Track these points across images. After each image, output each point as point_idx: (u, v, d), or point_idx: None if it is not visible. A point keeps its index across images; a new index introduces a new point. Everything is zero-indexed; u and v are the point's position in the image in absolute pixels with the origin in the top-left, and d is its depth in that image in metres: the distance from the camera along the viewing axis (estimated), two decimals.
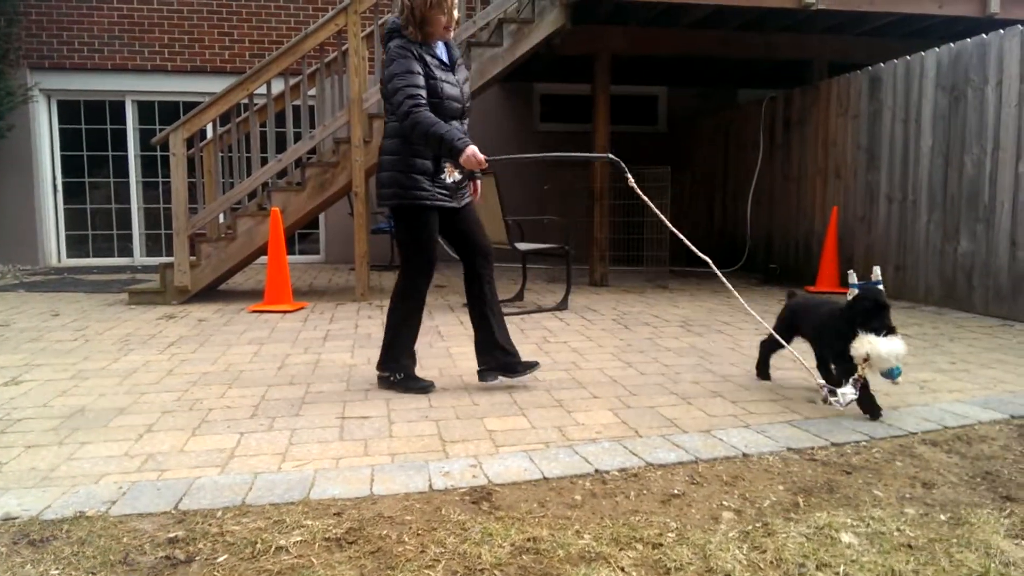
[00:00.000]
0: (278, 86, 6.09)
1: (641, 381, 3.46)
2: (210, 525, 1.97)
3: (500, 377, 3.37)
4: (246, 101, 5.96)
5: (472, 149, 2.96)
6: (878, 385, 2.94)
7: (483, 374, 3.37)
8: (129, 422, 2.86)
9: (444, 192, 3.19)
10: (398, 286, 3.29)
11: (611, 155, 3.26)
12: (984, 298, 5.23)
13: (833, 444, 2.58)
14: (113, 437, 2.68)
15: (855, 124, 6.52)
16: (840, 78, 6.71)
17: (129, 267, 9.08)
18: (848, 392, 2.78)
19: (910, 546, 1.83)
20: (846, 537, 1.87)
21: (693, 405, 3.07)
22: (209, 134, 6.37)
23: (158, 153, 9.08)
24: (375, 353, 3.78)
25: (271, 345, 4.30)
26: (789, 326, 3.30)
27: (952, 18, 6.54)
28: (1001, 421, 2.83)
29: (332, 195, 6.02)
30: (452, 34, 3.21)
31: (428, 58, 3.11)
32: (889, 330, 2.76)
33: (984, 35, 5.21)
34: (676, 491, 2.20)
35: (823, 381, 2.96)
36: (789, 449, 2.53)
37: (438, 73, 3.12)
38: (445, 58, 3.22)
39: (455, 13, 3.16)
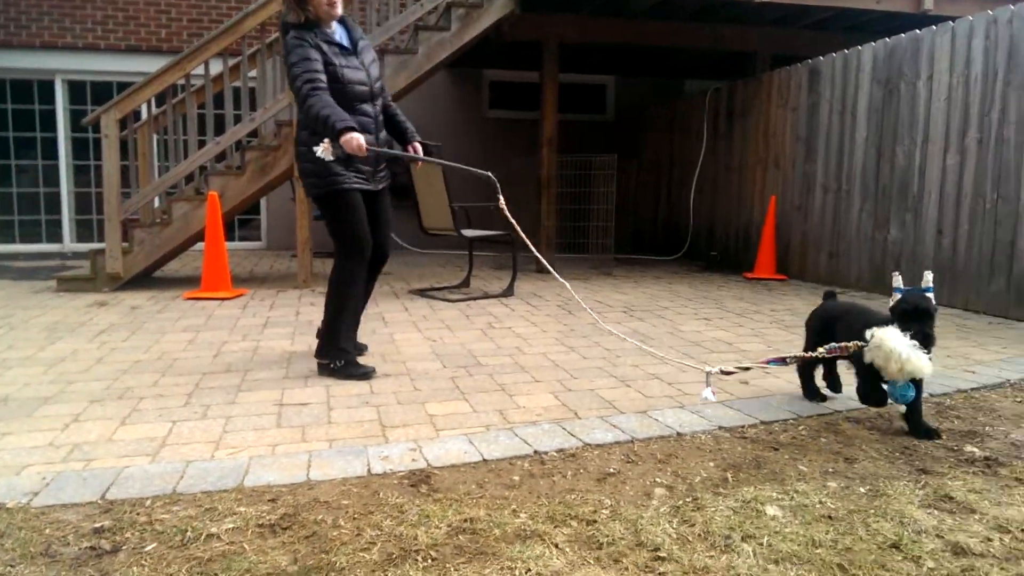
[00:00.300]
0: (217, 67, 5.93)
1: (583, 365, 3.51)
2: (138, 514, 1.93)
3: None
4: (183, 82, 5.78)
5: (352, 135, 2.93)
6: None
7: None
8: (55, 411, 2.76)
9: (360, 175, 3.20)
10: (334, 272, 3.29)
11: (490, 174, 3.36)
12: (911, 284, 5.43)
13: (762, 422, 2.66)
14: (37, 427, 2.58)
15: (794, 116, 6.69)
16: (781, 70, 6.87)
17: (58, 253, 8.73)
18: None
19: (831, 517, 1.91)
20: (771, 510, 1.94)
21: (632, 387, 3.12)
22: (144, 115, 6.16)
23: (90, 135, 8.73)
24: (316, 340, 3.73)
25: (207, 332, 4.21)
26: (822, 338, 2.77)
27: (889, 13, 6.77)
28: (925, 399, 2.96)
29: (273, 179, 5.90)
30: (340, 10, 3.14)
31: (325, 45, 3.09)
32: (925, 338, 2.42)
33: (917, 31, 5.40)
34: (612, 470, 2.24)
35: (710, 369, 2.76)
36: (721, 428, 2.60)
37: (338, 59, 3.11)
38: (345, 41, 3.20)
39: None
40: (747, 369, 2.86)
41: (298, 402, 2.89)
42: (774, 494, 2.05)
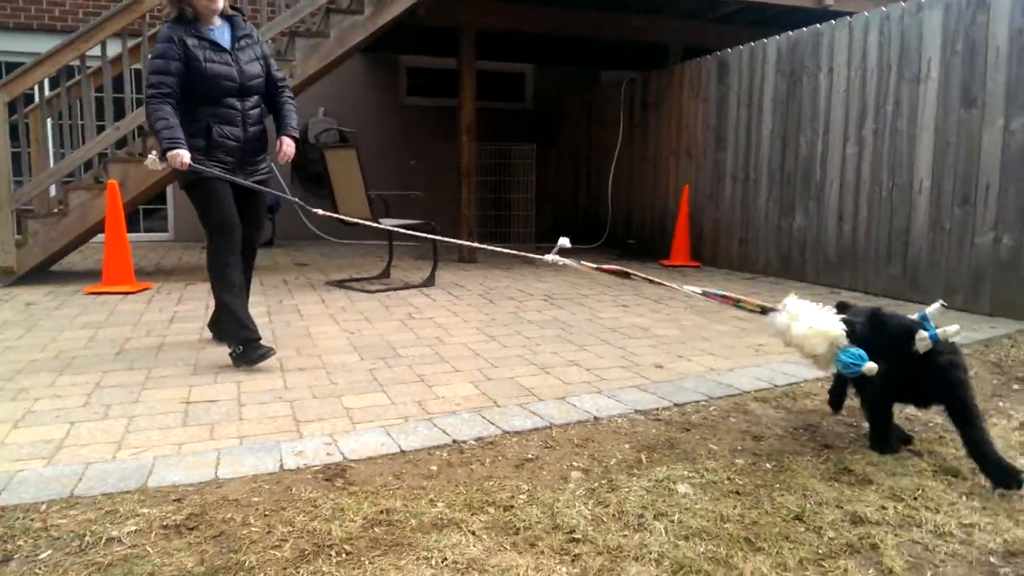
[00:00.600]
0: (115, 48, 5.60)
1: (503, 354, 3.52)
2: (32, 520, 1.81)
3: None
4: (79, 63, 5.44)
5: (176, 152, 3.09)
6: (708, 355, 3.14)
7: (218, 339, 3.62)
8: None
9: (222, 166, 3.28)
10: (207, 260, 3.37)
11: (298, 200, 3.65)
12: (815, 269, 5.72)
13: (676, 404, 2.74)
14: None
15: (705, 107, 6.88)
16: (692, 62, 7.05)
17: None
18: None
19: (738, 492, 1.99)
20: (682, 488, 2.00)
21: (551, 374, 3.15)
22: (36, 98, 5.77)
23: None
24: (217, 334, 3.69)
25: (109, 329, 3.99)
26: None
27: (793, 8, 7.04)
28: (824, 378, 3.10)
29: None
30: (220, 4, 3.23)
31: (193, 40, 3.17)
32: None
33: (819, 25, 5.64)
34: (530, 456, 2.25)
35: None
36: (636, 411, 2.66)
37: (204, 54, 3.18)
38: (225, 39, 3.27)
39: None
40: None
41: (206, 399, 2.78)
42: (686, 473, 2.11)
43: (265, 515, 1.85)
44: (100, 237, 5.63)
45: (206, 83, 3.19)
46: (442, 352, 3.53)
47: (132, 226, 5.88)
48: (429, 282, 5.64)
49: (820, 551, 1.69)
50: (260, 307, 4.59)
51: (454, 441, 2.37)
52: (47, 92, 5.78)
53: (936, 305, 2.12)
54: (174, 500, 1.93)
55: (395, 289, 5.40)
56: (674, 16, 7.59)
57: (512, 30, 7.33)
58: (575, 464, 2.19)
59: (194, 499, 1.94)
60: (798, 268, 5.87)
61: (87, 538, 1.73)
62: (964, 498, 1.97)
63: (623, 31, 7.56)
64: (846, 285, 5.39)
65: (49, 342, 3.67)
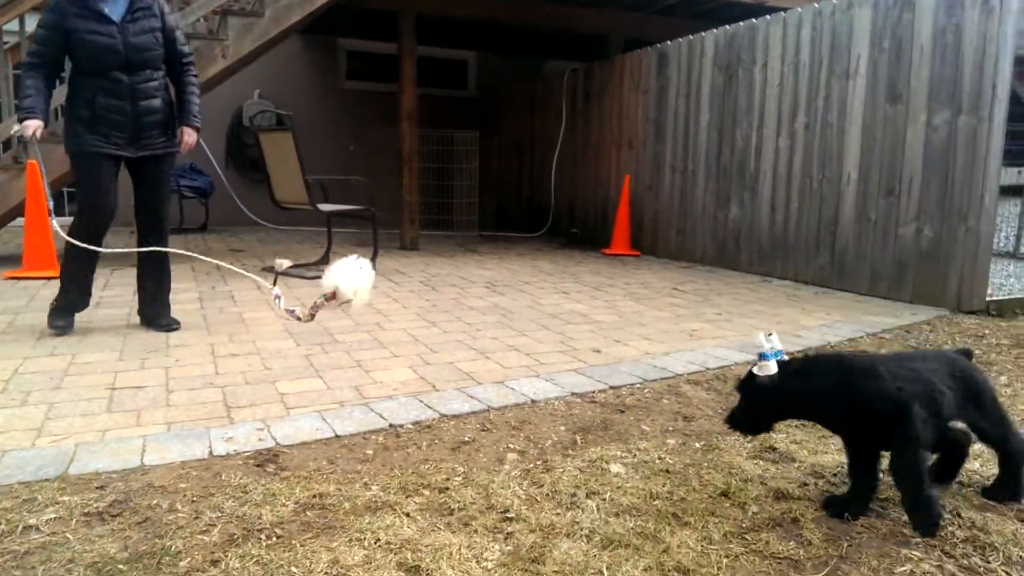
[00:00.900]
0: (34, 22, 5.32)
1: (443, 339, 3.51)
2: None
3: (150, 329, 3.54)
4: None
5: (27, 123, 3.09)
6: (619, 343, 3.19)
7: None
8: None
9: (104, 140, 3.23)
10: (68, 229, 3.31)
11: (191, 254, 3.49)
12: (749, 258, 5.88)
13: (611, 387, 2.78)
14: None
15: (645, 98, 6.98)
16: (633, 54, 7.13)
17: None
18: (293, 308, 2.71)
19: (668, 471, 2.03)
20: (615, 467, 2.04)
21: (491, 359, 3.16)
22: None
23: None
24: (136, 318, 3.66)
25: (29, 315, 3.82)
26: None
27: (731, 3, 7.19)
28: (751, 361, 3.21)
29: None
30: None
31: (76, 10, 3.13)
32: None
33: (755, 20, 5.77)
34: (467, 438, 2.26)
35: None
36: (573, 394, 2.69)
37: (87, 25, 3.14)
38: (118, 11, 3.20)
39: None
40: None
41: (133, 385, 2.69)
42: (619, 453, 2.15)
43: (193, 501, 1.81)
44: (20, 221, 5.37)
45: (87, 54, 3.15)
46: (381, 338, 3.50)
47: (57, 209, 5.60)
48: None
49: (744, 525, 1.75)
50: (191, 292, 4.46)
51: (391, 425, 2.35)
52: None
53: (761, 336, 1.85)
54: (97, 487, 1.87)
55: None
56: (617, 7, 7.65)
57: (450, 14, 7.26)
58: (511, 446, 2.21)
59: (118, 486, 1.88)
60: (732, 257, 6.02)
61: (2, 527, 1.66)
62: (881, 475, 2.06)
63: (565, 21, 7.58)
64: (777, 274, 5.57)
65: None
